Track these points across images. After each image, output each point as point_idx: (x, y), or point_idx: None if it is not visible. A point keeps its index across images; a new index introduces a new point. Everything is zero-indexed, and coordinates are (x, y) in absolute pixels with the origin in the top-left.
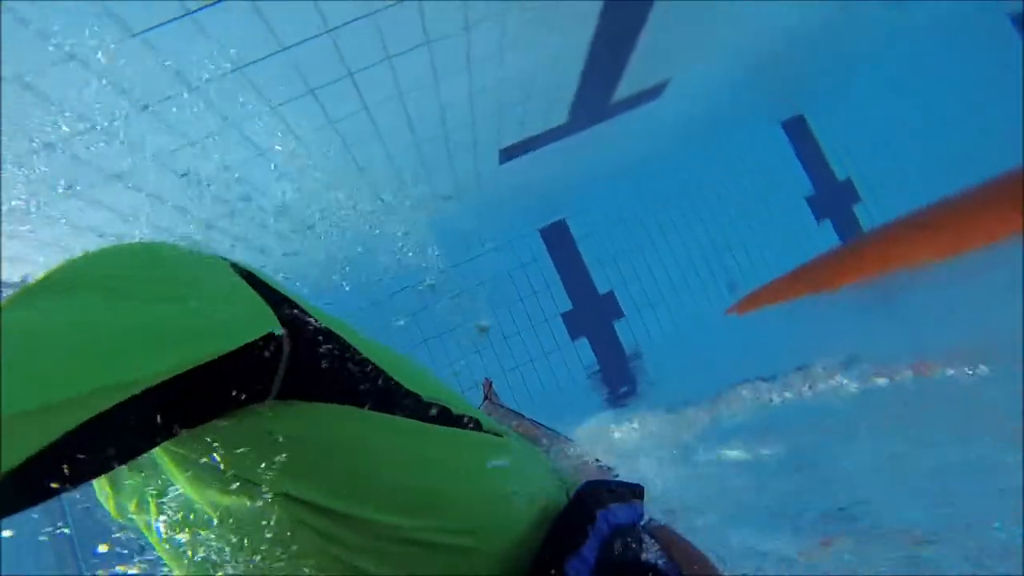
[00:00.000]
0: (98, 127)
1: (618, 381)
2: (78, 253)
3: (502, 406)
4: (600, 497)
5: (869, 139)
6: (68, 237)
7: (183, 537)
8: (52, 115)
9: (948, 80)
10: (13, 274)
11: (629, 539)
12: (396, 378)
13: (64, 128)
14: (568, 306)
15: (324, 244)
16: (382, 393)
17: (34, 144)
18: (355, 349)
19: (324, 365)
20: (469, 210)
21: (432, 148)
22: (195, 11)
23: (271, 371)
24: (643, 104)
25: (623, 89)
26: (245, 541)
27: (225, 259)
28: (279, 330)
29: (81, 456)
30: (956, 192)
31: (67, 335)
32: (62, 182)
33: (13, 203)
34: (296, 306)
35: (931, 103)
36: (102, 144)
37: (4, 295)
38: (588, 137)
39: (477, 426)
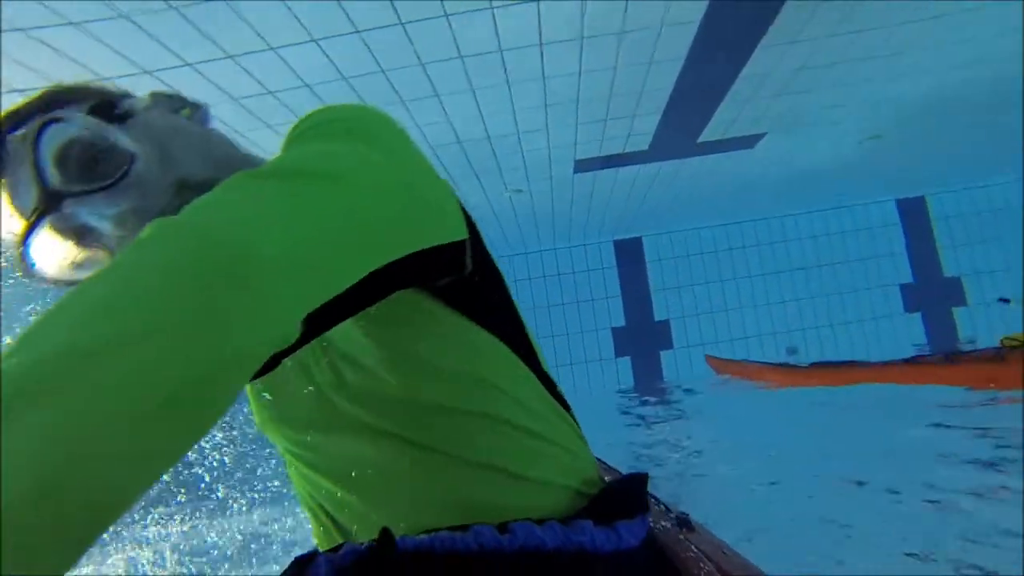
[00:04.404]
0: None
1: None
2: None
3: None
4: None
5: (998, 245)
6: None
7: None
8: None
9: None
10: None
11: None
12: (531, 338)
13: None
14: (621, 322)
15: None
16: (520, 343)
17: None
18: (508, 292)
19: (486, 289)
20: (543, 206)
21: (505, 145)
22: None
23: (448, 270)
24: (734, 150)
25: (711, 132)
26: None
27: None
28: (466, 235)
29: None
30: None
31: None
32: None
33: None
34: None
35: None
36: None
37: None
38: (677, 167)
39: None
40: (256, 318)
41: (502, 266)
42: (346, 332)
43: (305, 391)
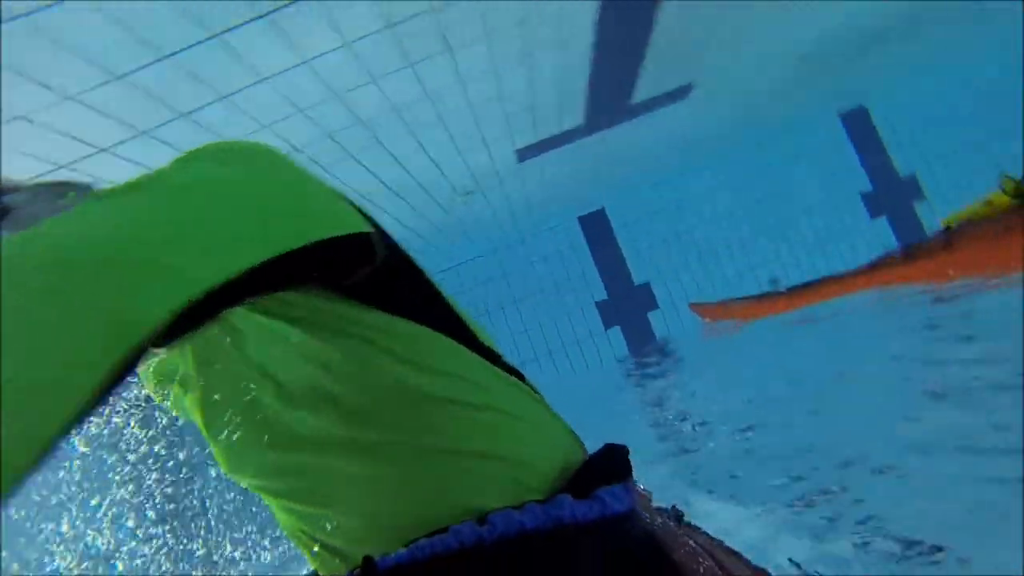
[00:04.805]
0: None
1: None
2: None
3: None
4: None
5: (942, 135)
6: None
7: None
8: None
9: None
10: None
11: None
12: (462, 316)
13: None
14: (603, 295)
15: None
16: (450, 323)
17: None
18: (428, 279)
19: (403, 281)
20: (498, 202)
21: (441, 150)
22: None
23: (356, 265)
24: (669, 104)
25: (643, 91)
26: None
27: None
28: (369, 229)
29: None
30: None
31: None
32: None
33: None
34: (379, 227)
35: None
36: None
37: None
38: (620, 133)
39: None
40: (113, 317)
41: (471, 270)
42: (279, 354)
43: (257, 421)
